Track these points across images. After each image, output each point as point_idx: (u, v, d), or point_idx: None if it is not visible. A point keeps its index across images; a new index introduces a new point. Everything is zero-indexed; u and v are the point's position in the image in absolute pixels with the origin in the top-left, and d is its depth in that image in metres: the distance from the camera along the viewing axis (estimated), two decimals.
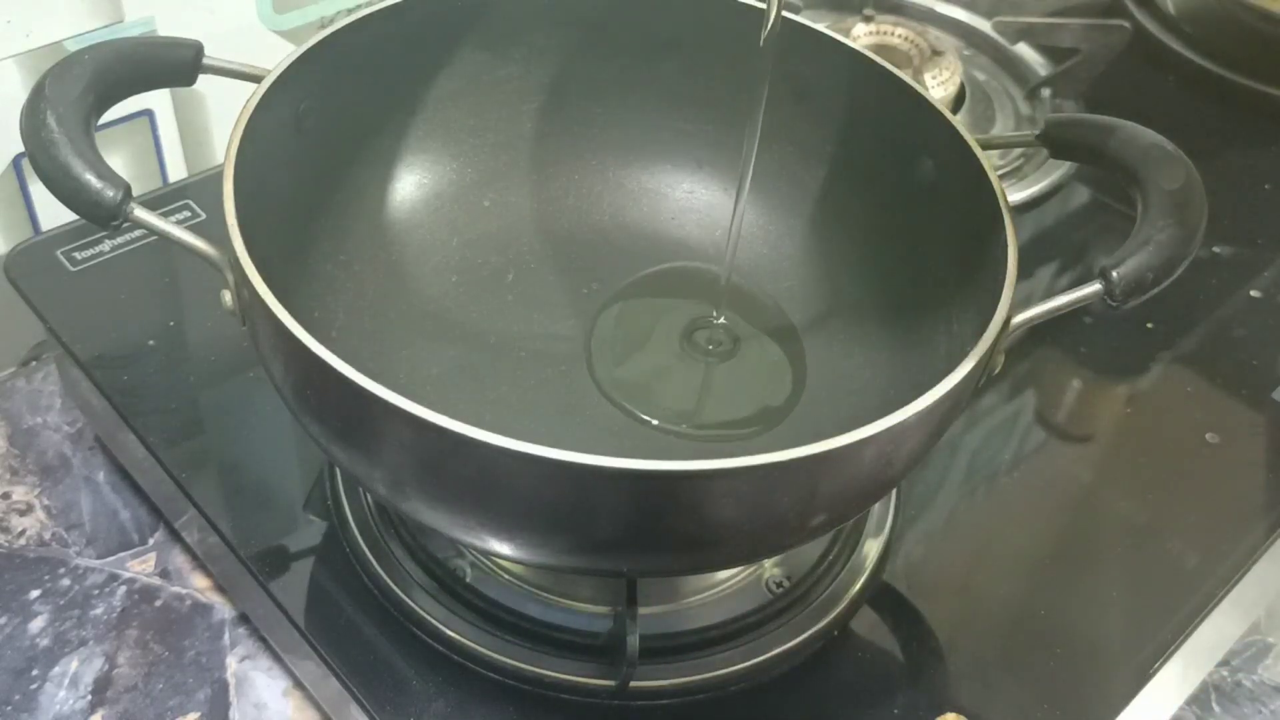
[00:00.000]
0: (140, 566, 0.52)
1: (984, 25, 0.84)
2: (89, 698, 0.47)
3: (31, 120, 0.39)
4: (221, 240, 0.39)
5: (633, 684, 0.44)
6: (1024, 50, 0.82)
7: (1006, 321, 0.39)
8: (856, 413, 0.43)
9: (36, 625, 0.50)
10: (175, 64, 0.45)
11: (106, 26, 0.61)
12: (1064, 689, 0.47)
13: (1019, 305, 0.40)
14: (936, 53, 0.74)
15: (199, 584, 0.52)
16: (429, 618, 0.45)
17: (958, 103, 0.75)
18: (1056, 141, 0.48)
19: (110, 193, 0.38)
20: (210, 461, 0.51)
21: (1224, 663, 0.54)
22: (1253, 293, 0.67)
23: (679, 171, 0.58)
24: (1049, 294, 0.42)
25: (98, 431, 0.57)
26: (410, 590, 0.46)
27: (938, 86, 0.72)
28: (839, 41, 0.51)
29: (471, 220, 0.56)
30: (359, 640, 0.45)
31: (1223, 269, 0.68)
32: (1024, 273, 0.41)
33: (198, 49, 0.45)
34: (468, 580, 0.47)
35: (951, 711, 0.45)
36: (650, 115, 0.57)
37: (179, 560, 0.52)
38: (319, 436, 0.39)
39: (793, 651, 0.46)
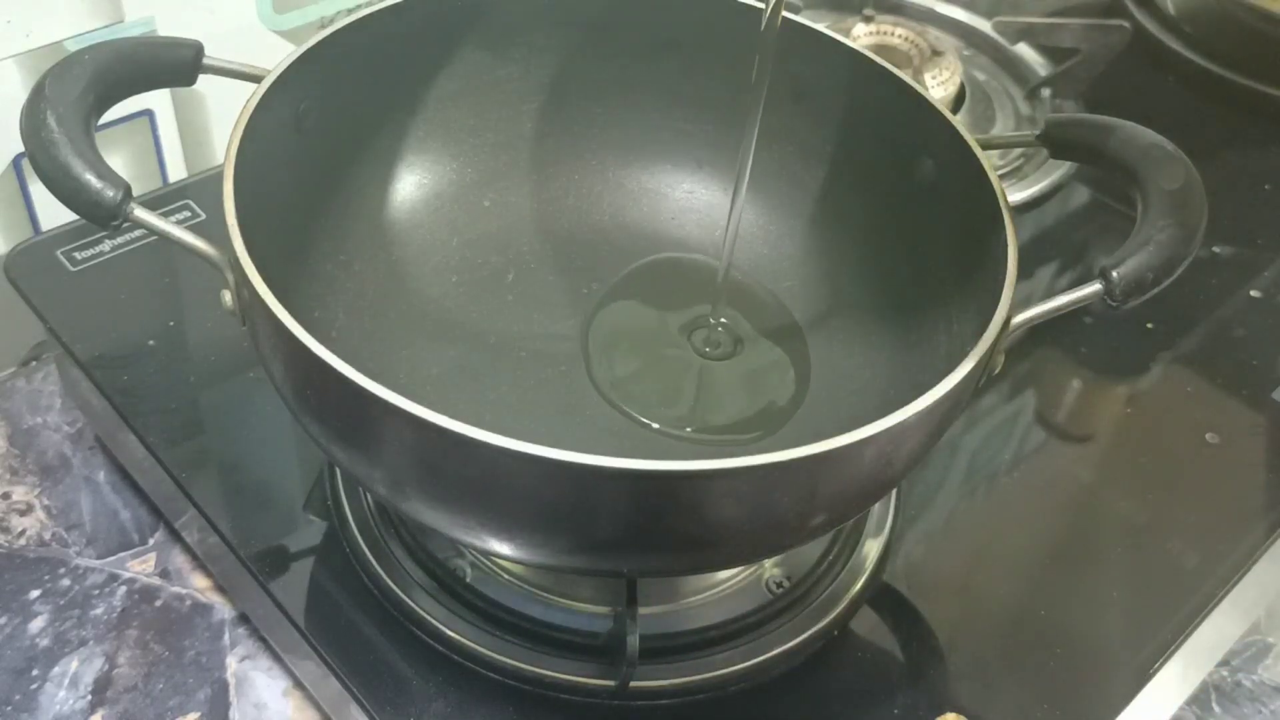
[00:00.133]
0: (140, 566, 0.52)
1: (984, 25, 0.84)
2: (89, 698, 0.47)
3: (31, 120, 0.39)
4: (221, 240, 0.39)
5: (633, 684, 0.44)
6: (1024, 50, 0.82)
7: (1006, 321, 0.39)
8: (856, 413, 0.43)
9: (36, 625, 0.50)
10: (175, 64, 0.45)
11: (106, 26, 0.61)
12: (1064, 689, 0.47)
13: (1019, 305, 0.40)
14: (936, 53, 0.74)
15: (199, 584, 0.52)
16: (429, 618, 0.45)
17: (958, 103, 0.75)
18: (1056, 141, 0.48)
19: (110, 193, 0.38)
20: (210, 461, 0.51)
21: (1224, 663, 0.54)
22: (1253, 293, 0.67)
23: (679, 171, 0.58)
24: (1049, 294, 0.42)
25: (98, 431, 0.57)
26: (410, 590, 0.46)
27: (938, 86, 0.72)
28: (839, 41, 0.51)
29: (471, 220, 0.56)
30: (359, 640, 0.45)
31: (1223, 269, 0.68)
32: (1024, 273, 0.41)
33: (198, 49, 0.45)
34: (468, 580, 0.47)
35: (951, 711, 0.45)
36: (650, 115, 0.57)
37: (179, 560, 0.52)
38: (319, 436, 0.39)
39: (793, 651, 0.46)
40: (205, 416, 0.53)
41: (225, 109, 0.67)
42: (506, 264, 0.55)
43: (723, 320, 0.54)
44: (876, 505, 0.52)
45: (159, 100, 0.65)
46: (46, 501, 0.54)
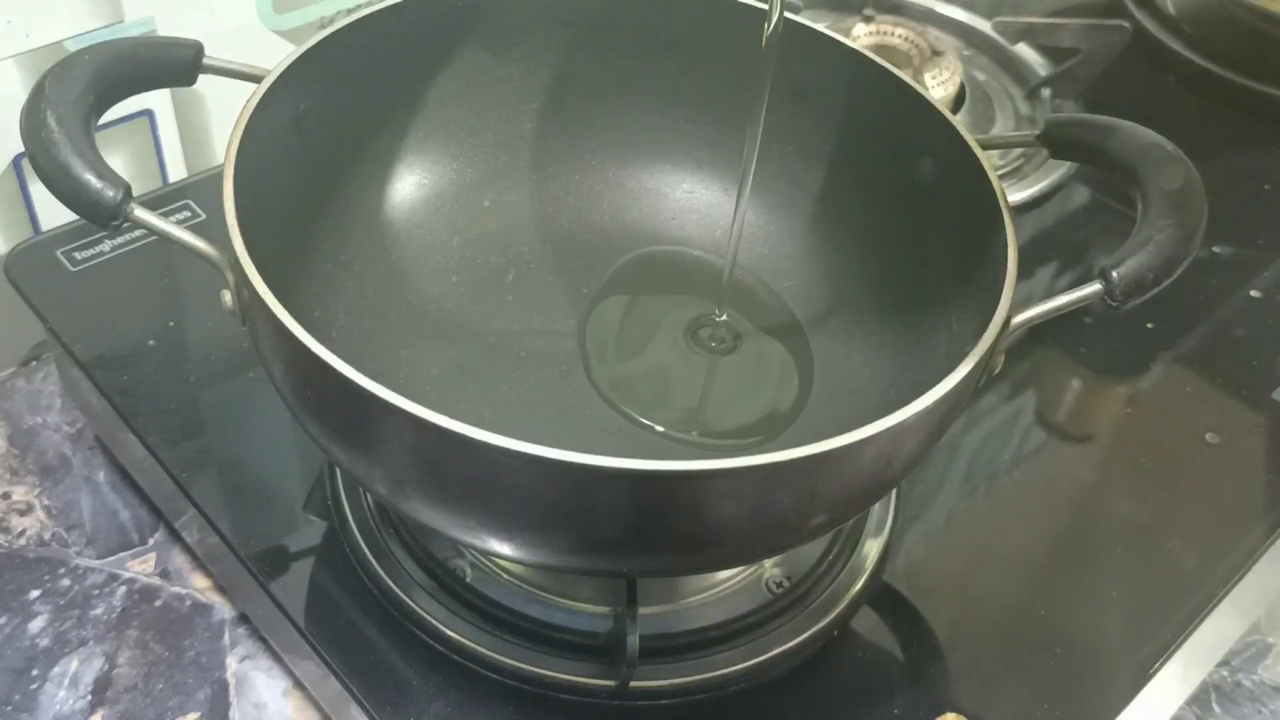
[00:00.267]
0: (140, 566, 0.52)
1: (984, 25, 0.84)
2: (89, 698, 0.47)
3: (31, 120, 0.39)
4: (221, 240, 0.39)
5: (633, 684, 0.44)
6: (1024, 50, 0.82)
7: (1006, 321, 0.39)
8: (856, 413, 0.43)
9: (36, 625, 0.50)
10: (175, 64, 0.45)
11: (106, 26, 0.61)
12: (1064, 689, 0.47)
13: (1019, 305, 0.40)
14: (936, 53, 0.74)
15: (199, 584, 0.52)
16: (429, 618, 0.45)
17: (958, 103, 0.75)
18: (1056, 141, 0.48)
19: (110, 193, 0.38)
20: (210, 461, 0.51)
21: (1224, 663, 0.54)
22: (1253, 293, 0.67)
23: (679, 171, 0.58)
24: (1049, 294, 0.42)
25: (98, 431, 0.57)
26: (410, 590, 0.46)
27: (938, 86, 0.72)
28: (839, 41, 0.51)
29: (471, 220, 0.56)
30: (359, 640, 0.45)
31: (1223, 269, 0.68)
32: (1024, 273, 0.41)
33: (198, 49, 0.45)
34: (468, 580, 0.47)
35: (951, 711, 0.45)
36: (650, 115, 0.57)
37: (179, 560, 0.52)
38: (319, 436, 0.39)
39: (793, 651, 0.46)
40: (205, 416, 0.53)
41: (225, 109, 0.67)
42: (506, 264, 0.55)
43: (724, 318, 0.54)
44: (876, 505, 0.52)
45: (159, 100, 0.65)
46: (46, 501, 0.54)
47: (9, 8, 0.57)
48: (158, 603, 0.51)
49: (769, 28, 0.46)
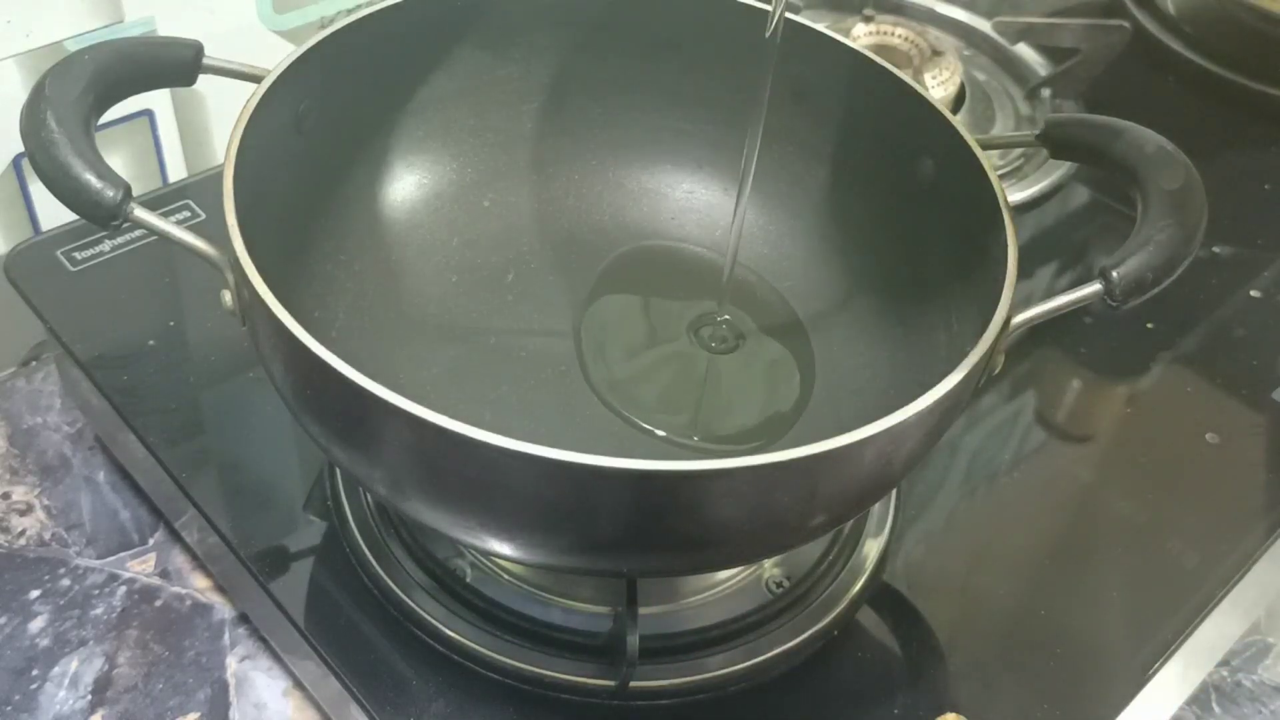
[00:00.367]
0: (140, 566, 0.52)
1: (984, 25, 0.84)
2: (89, 698, 0.47)
3: (31, 120, 0.39)
4: (221, 240, 0.39)
5: (633, 684, 0.44)
6: (1024, 50, 0.82)
7: (1006, 321, 0.39)
8: (857, 413, 0.43)
9: (36, 625, 0.50)
10: (175, 64, 0.45)
11: (106, 26, 0.61)
12: (1064, 689, 0.47)
13: (1019, 305, 0.40)
14: (936, 53, 0.74)
15: (199, 584, 0.52)
16: (429, 618, 0.45)
17: (958, 103, 0.75)
18: (1056, 141, 0.48)
19: (110, 193, 0.38)
20: (210, 461, 0.51)
21: (1224, 663, 0.54)
22: (1253, 293, 0.67)
23: (679, 171, 0.58)
24: (1049, 294, 0.42)
25: (98, 431, 0.57)
26: (410, 590, 0.46)
27: (938, 86, 0.72)
28: (839, 41, 0.51)
29: (471, 220, 0.56)
30: (359, 640, 0.45)
31: (1223, 269, 0.68)
32: (1024, 273, 0.41)
33: (198, 49, 0.45)
34: (468, 580, 0.47)
35: (951, 711, 0.45)
36: (650, 115, 0.57)
37: (179, 560, 0.52)
38: (319, 436, 0.39)
39: (793, 651, 0.46)
40: (205, 416, 0.53)
41: (225, 109, 0.67)
42: (506, 264, 0.55)
43: (725, 318, 0.54)
44: (876, 505, 0.52)
45: (159, 100, 0.65)
46: (46, 501, 0.54)
47: (9, 8, 0.57)
48: (158, 603, 0.51)
49: (771, 25, 0.46)
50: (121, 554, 0.53)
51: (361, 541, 0.48)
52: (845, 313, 0.53)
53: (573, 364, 0.52)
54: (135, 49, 0.44)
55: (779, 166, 0.55)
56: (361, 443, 0.37)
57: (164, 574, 0.52)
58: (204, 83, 0.45)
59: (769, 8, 0.51)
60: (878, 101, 0.51)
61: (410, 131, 0.54)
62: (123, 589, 0.51)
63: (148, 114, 0.65)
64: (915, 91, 0.49)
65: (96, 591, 0.51)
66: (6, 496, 0.54)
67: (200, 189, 0.62)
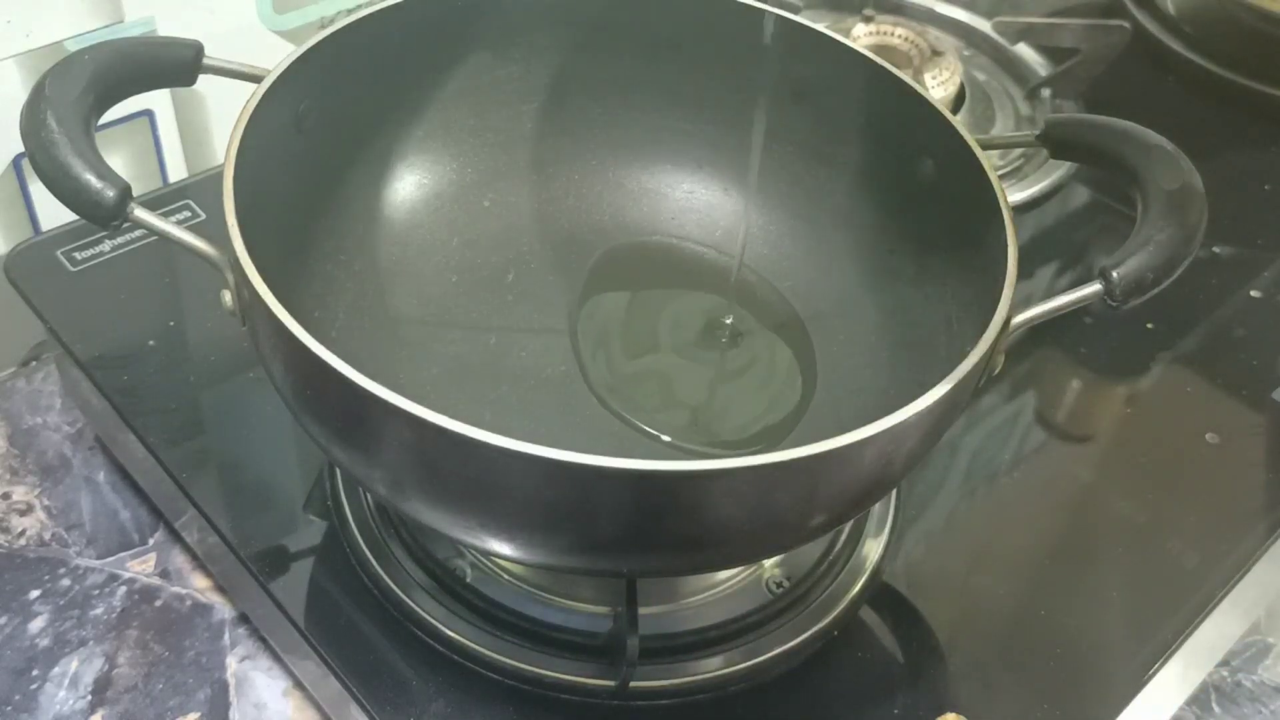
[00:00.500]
0: (140, 566, 0.52)
1: (984, 25, 0.84)
2: (89, 698, 0.47)
3: (31, 120, 0.39)
4: (221, 240, 0.39)
5: (633, 684, 0.44)
6: (1024, 50, 0.82)
7: (1006, 321, 0.39)
8: (856, 413, 0.43)
9: (36, 625, 0.50)
10: (175, 64, 0.45)
11: (106, 26, 0.61)
12: (1064, 689, 0.47)
13: (1019, 305, 0.40)
14: (936, 53, 0.74)
15: (199, 584, 0.52)
16: (429, 618, 0.45)
17: (958, 103, 0.75)
18: (1056, 141, 0.48)
19: (110, 193, 0.38)
20: (210, 461, 0.51)
21: (1224, 663, 0.54)
22: (1253, 293, 0.67)
23: (679, 171, 0.58)
24: (1049, 294, 0.42)
25: (98, 431, 0.57)
26: (410, 590, 0.46)
27: (938, 86, 0.72)
28: (839, 41, 0.51)
29: (471, 220, 0.56)
30: (359, 640, 0.45)
31: (1223, 269, 0.68)
32: (1024, 273, 0.41)
33: (198, 49, 0.45)
34: (468, 580, 0.47)
35: (951, 711, 0.45)
36: (650, 115, 0.57)
37: (179, 560, 0.52)
38: (319, 436, 0.39)
39: (793, 651, 0.46)
40: (205, 416, 0.53)
41: (225, 109, 0.67)
42: (506, 264, 0.55)
43: (728, 318, 0.54)
44: (876, 505, 0.52)
45: (159, 100, 0.65)
46: (46, 501, 0.54)
47: (9, 8, 0.57)
48: (158, 603, 0.51)
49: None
50: (121, 554, 0.53)
51: (361, 541, 0.48)
52: (845, 313, 0.53)
53: (573, 364, 0.52)
54: (135, 49, 0.44)
55: (779, 166, 0.55)
56: (361, 443, 0.37)
57: (164, 574, 0.52)
58: (204, 83, 0.45)
59: (769, 8, 0.52)
60: (878, 101, 0.51)
61: (410, 131, 0.54)
62: (123, 589, 0.51)
63: (148, 114, 0.65)
64: (915, 91, 0.49)
65: (96, 591, 0.51)
66: (6, 496, 0.54)
67: (200, 189, 0.62)
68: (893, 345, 0.51)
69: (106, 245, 0.59)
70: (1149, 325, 0.64)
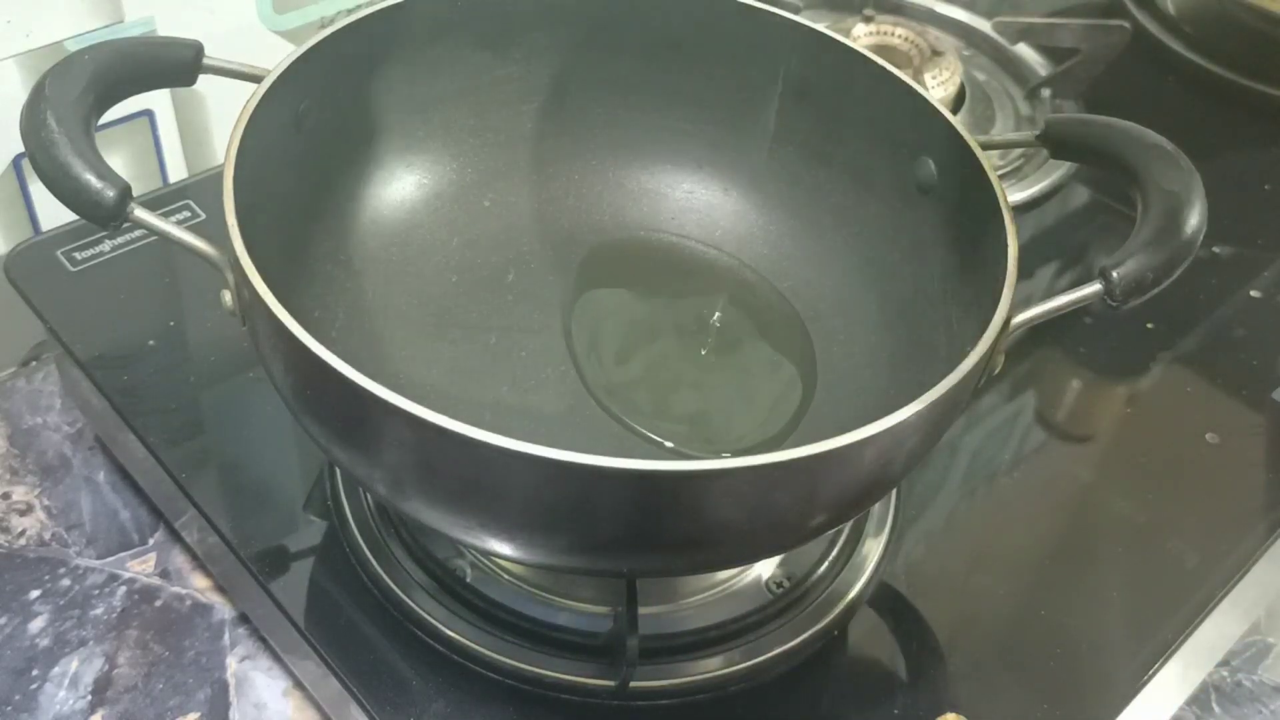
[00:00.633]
0: (140, 566, 0.52)
1: (984, 25, 0.84)
2: (89, 698, 0.47)
3: (31, 120, 0.39)
4: (221, 240, 0.39)
5: (633, 684, 0.44)
6: (1024, 50, 0.82)
7: (1006, 321, 0.39)
8: (856, 413, 0.43)
9: (36, 625, 0.50)
10: (175, 64, 0.45)
11: (106, 26, 0.61)
12: (1064, 689, 0.47)
13: (1019, 305, 0.40)
14: (936, 53, 0.74)
15: (199, 584, 0.52)
16: (429, 618, 0.45)
17: (958, 103, 0.75)
18: (1056, 141, 0.48)
19: (110, 193, 0.38)
20: (210, 461, 0.51)
21: (1224, 663, 0.54)
22: (1253, 293, 0.67)
23: (679, 171, 0.58)
24: (1049, 294, 0.42)
25: (98, 431, 0.57)
26: (410, 590, 0.46)
27: (938, 86, 0.72)
28: (839, 41, 0.51)
29: (471, 220, 0.56)
30: (359, 640, 0.45)
31: (1223, 269, 0.68)
32: (1024, 273, 0.41)
33: (198, 49, 0.45)
34: (468, 580, 0.47)
35: (951, 711, 0.45)
36: (650, 115, 0.57)
37: (179, 560, 0.52)
38: (319, 436, 0.39)
39: (793, 651, 0.46)
40: (205, 416, 0.53)
41: (225, 109, 0.67)
42: (506, 264, 0.55)
43: (726, 319, 0.54)
44: (876, 505, 0.52)
45: (159, 100, 0.65)
46: (46, 501, 0.54)
47: (9, 8, 0.57)
48: (158, 603, 0.51)
49: None
50: (121, 554, 0.53)
51: (361, 541, 0.48)
52: (845, 313, 0.53)
53: (572, 364, 0.52)
54: (135, 49, 0.44)
55: (779, 166, 0.55)
56: (361, 443, 0.37)
57: (164, 574, 0.52)
58: (204, 83, 0.45)
59: (769, 8, 0.52)
60: (878, 101, 0.51)
61: (410, 131, 0.54)
62: (123, 589, 0.51)
63: (148, 114, 0.65)
64: (915, 91, 0.49)
65: (96, 591, 0.51)
66: (6, 496, 0.54)
67: (200, 189, 0.62)
68: (893, 345, 0.51)
69: (106, 245, 0.59)
70: (1149, 325, 0.64)
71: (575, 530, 0.37)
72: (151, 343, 0.55)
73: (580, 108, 0.56)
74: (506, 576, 0.47)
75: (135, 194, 0.39)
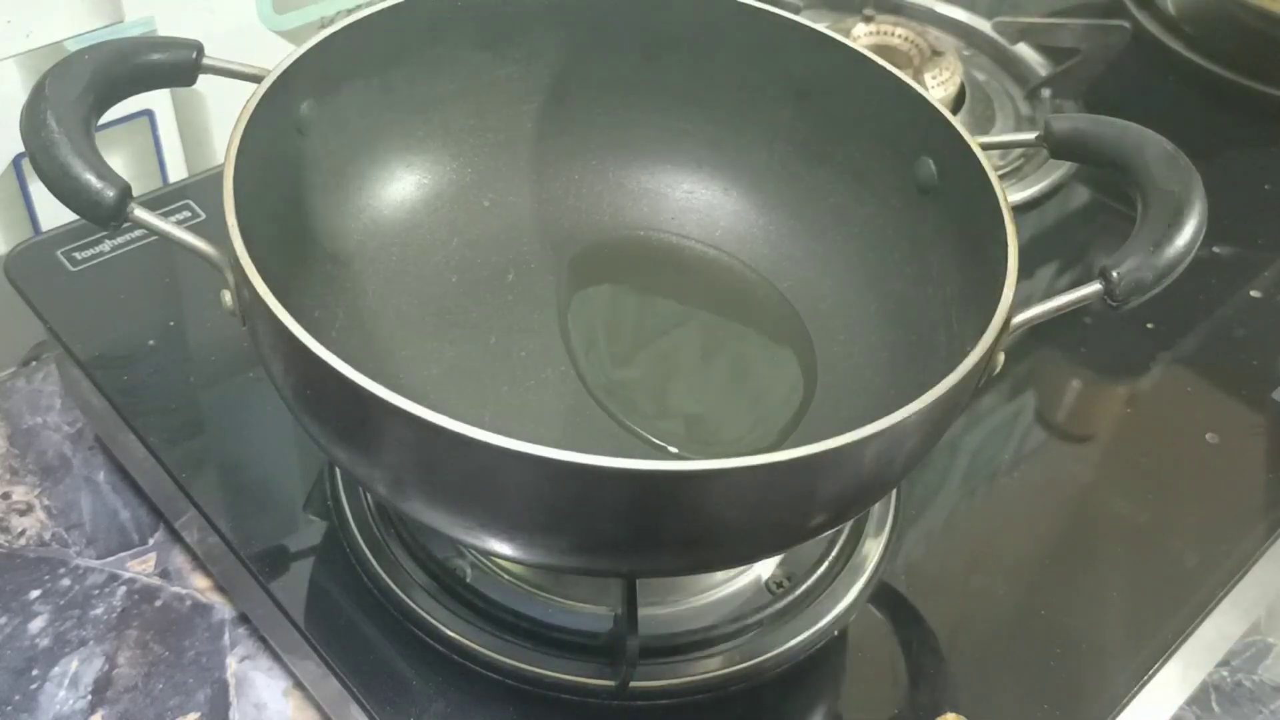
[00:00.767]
0: (140, 566, 0.52)
1: (984, 25, 0.84)
2: (89, 698, 0.47)
3: (31, 120, 0.39)
4: (221, 240, 0.39)
5: (633, 684, 0.44)
6: (1024, 50, 0.82)
7: (1006, 321, 0.39)
8: (856, 413, 0.43)
9: (36, 625, 0.50)
10: (175, 64, 0.45)
11: (106, 26, 0.61)
12: (1064, 689, 0.47)
13: (1019, 305, 0.40)
14: (936, 53, 0.74)
15: (199, 584, 0.52)
16: (429, 618, 0.45)
17: (958, 103, 0.75)
18: (1056, 141, 0.48)
19: (110, 193, 0.38)
20: (210, 461, 0.51)
21: (1224, 663, 0.54)
22: (1253, 293, 0.67)
23: (679, 171, 0.58)
24: (1049, 294, 0.42)
25: (98, 431, 0.57)
26: (410, 590, 0.46)
27: (938, 86, 0.72)
28: (839, 41, 0.51)
29: (471, 220, 0.56)
30: (359, 640, 0.45)
31: (1223, 269, 0.68)
32: (1024, 273, 0.41)
33: (198, 49, 0.45)
34: (468, 580, 0.47)
35: (951, 712, 0.45)
36: (650, 115, 0.57)
37: (179, 560, 0.52)
38: (319, 437, 0.39)
39: (793, 651, 0.46)
40: (205, 416, 0.53)
41: (225, 109, 0.67)
42: (506, 264, 0.55)
43: (718, 317, 0.54)
44: (876, 505, 0.52)
45: (159, 100, 0.65)
46: (46, 501, 0.54)
47: (9, 8, 0.57)
48: (158, 603, 0.51)
49: None
50: (121, 554, 0.53)
51: (361, 541, 0.48)
52: (845, 313, 0.53)
53: (572, 364, 0.52)
54: (135, 49, 0.44)
55: (778, 167, 0.55)
56: (361, 443, 0.37)
57: (164, 574, 0.52)
58: (204, 83, 0.45)
59: (769, 8, 0.52)
60: (878, 101, 0.51)
61: (410, 131, 0.54)
62: (123, 589, 0.51)
63: (148, 114, 0.65)
64: (915, 91, 0.49)
65: (96, 591, 0.51)
66: (6, 496, 0.54)
67: (200, 189, 0.62)
68: (893, 345, 0.51)
69: (106, 245, 0.59)
70: (1149, 325, 0.64)
71: (575, 530, 0.37)
72: (151, 343, 0.55)
73: (580, 108, 0.56)
74: (506, 576, 0.47)
75: (135, 194, 0.39)
